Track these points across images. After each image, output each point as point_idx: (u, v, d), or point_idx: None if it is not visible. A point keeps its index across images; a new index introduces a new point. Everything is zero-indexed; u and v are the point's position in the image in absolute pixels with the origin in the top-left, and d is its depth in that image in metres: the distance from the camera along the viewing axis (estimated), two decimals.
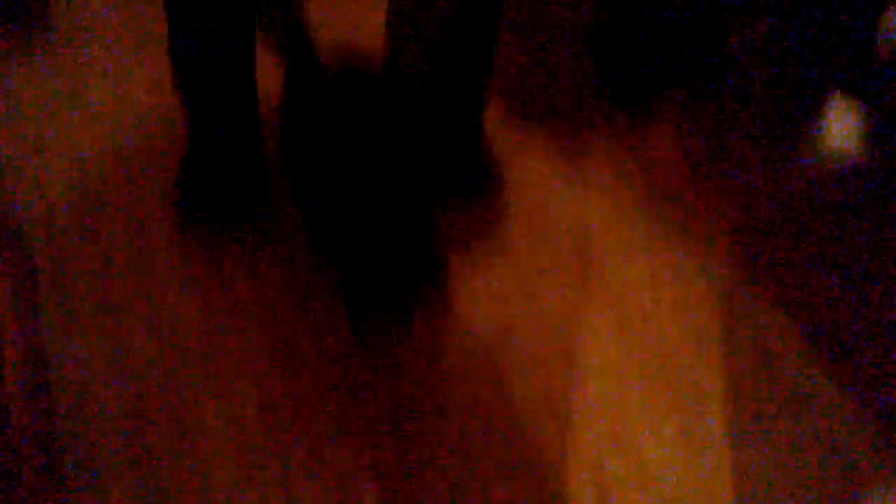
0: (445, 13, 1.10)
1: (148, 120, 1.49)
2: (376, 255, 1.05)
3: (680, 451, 1.12)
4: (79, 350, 1.16)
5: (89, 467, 1.04)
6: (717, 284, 1.33)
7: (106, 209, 1.34)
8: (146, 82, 1.55)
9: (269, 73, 1.47)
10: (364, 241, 1.05)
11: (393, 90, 1.12)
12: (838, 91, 1.73)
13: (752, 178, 1.51)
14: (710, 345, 1.25)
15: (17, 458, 0.94)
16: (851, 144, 1.61)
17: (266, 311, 1.23)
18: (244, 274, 1.27)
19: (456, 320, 1.25)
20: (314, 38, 1.18)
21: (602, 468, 1.10)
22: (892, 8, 1.89)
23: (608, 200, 1.44)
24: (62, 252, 1.27)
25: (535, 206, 1.42)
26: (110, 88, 1.54)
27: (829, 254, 1.39)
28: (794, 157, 1.58)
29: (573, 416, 1.15)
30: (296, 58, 1.09)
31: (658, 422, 1.16)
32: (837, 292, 1.34)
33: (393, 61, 1.27)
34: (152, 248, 1.29)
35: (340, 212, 1.09)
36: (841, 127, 1.65)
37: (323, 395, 1.14)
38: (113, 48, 1.61)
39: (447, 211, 1.39)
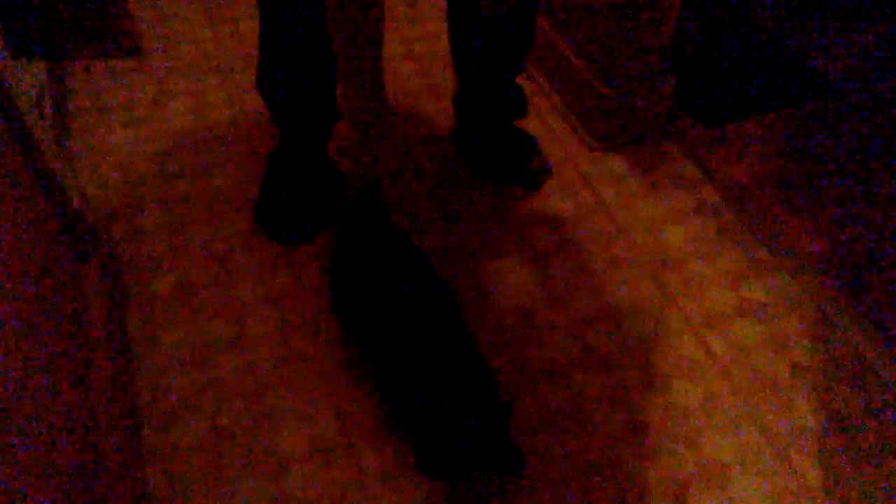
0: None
1: (225, 137, 1.53)
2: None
3: (764, 460, 1.06)
4: (162, 355, 1.17)
5: (172, 474, 1.04)
6: (810, 315, 1.27)
7: (187, 210, 1.36)
8: (225, 106, 1.60)
9: None
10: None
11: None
12: None
13: (841, 202, 1.46)
14: (807, 376, 1.19)
15: (111, 485, 0.94)
16: None
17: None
18: (318, 285, 1.27)
19: (537, 346, 1.22)
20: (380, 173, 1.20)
21: (681, 480, 1.05)
22: None
23: (692, 229, 1.40)
24: (143, 248, 1.30)
25: (616, 232, 1.39)
26: (191, 106, 1.59)
27: None
28: (883, 179, 1.52)
29: (660, 446, 1.10)
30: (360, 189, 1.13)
31: (751, 454, 1.09)
32: None
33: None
34: (231, 252, 1.30)
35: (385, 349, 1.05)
36: None
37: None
38: (196, 74, 1.68)
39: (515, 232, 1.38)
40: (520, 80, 1.43)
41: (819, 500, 1.06)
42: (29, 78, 1.36)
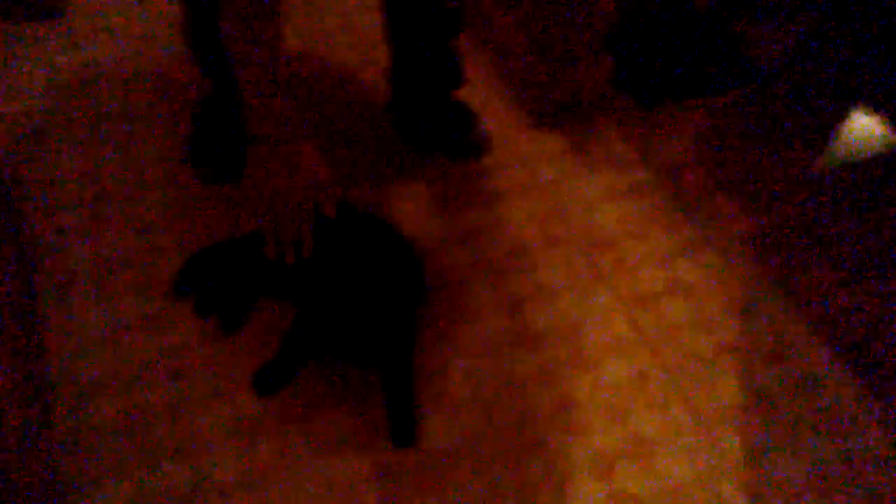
0: None
1: (155, 93, 1.46)
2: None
3: (689, 435, 1.08)
4: (73, 322, 1.11)
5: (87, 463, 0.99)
6: (736, 294, 1.29)
7: (107, 181, 1.30)
8: (155, 60, 1.54)
9: None
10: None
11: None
12: (860, 102, 1.71)
13: (769, 184, 1.49)
14: (731, 354, 1.21)
15: (14, 463, 0.89)
16: (866, 154, 1.59)
17: None
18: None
19: (470, 324, 1.21)
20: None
21: (608, 455, 1.06)
22: None
23: (625, 208, 1.41)
24: (58, 221, 1.23)
25: (552, 211, 1.38)
26: (121, 66, 1.52)
27: (841, 254, 1.36)
28: (811, 164, 1.55)
29: (585, 423, 1.11)
30: None
31: (677, 430, 1.11)
32: (846, 288, 1.31)
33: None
34: (153, 224, 1.25)
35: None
36: (858, 137, 1.62)
37: (324, 394, 1.10)
38: (122, 35, 1.60)
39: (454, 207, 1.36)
40: (455, 52, 1.40)
41: (741, 474, 1.08)
42: None
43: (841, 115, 1.69)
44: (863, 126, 1.66)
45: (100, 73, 1.52)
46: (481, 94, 1.59)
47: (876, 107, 1.71)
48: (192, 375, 1.10)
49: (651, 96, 1.62)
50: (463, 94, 1.47)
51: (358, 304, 1.09)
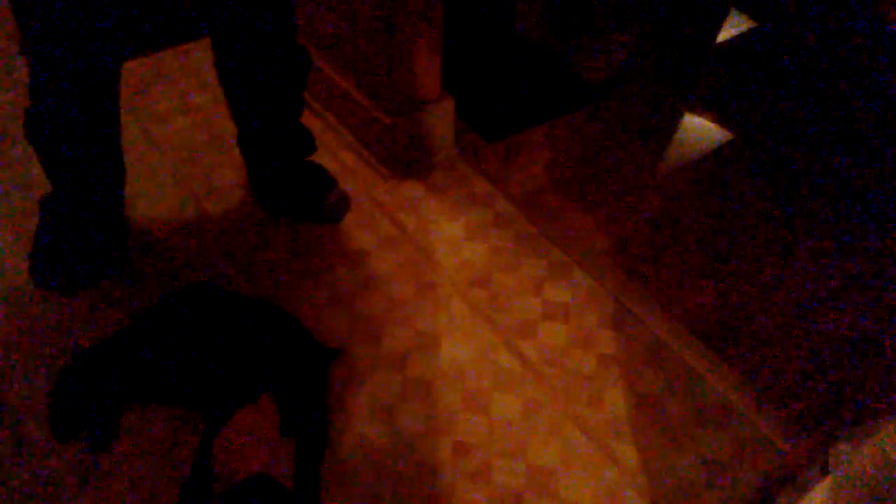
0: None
1: None
2: None
3: (586, 455, 1.10)
4: None
5: None
6: (608, 306, 1.34)
7: None
8: None
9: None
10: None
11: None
12: (690, 107, 1.83)
13: (619, 194, 1.56)
14: (612, 365, 1.24)
15: None
16: (701, 151, 1.70)
17: None
18: None
19: (356, 385, 1.18)
20: None
21: (513, 493, 1.06)
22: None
23: (492, 242, 1.43)
24: None
25: (420, 258, 1.39)
26: None
27: (693, 249, 1.45)
28: (654, 169, 1.65)
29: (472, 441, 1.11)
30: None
31: (574, 452, 1.13)
32: (704, 282, 1.39)
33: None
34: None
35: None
36: (692, 142, 1.73)
37: None
38: None
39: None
40: (306, 118, 1.40)
41: (640, 482, 1.10)
42: None
43: (674, 119, 1.80)
44: (695, 126, 1.78)
45: None
46: (336, 153, 1.59)
47: (704, 106, 1.84)
48: None
49: (499, 129, 1.67)
50: (318, 156, 1.47)
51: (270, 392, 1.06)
